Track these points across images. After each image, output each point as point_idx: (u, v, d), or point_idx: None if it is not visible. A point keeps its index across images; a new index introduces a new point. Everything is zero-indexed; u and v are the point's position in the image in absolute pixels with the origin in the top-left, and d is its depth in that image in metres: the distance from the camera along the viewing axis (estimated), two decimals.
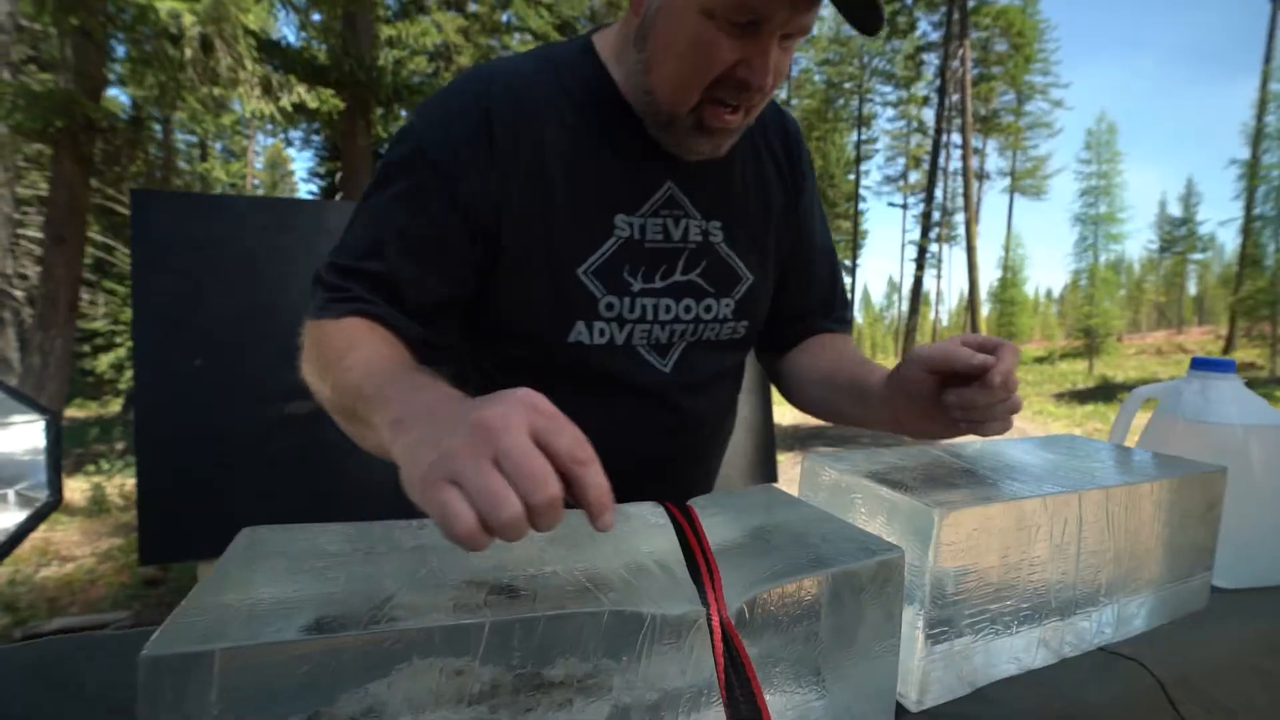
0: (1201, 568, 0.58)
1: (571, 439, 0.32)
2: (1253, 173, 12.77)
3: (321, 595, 0.31)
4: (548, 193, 0.59)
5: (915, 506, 0.43)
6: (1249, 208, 13.27)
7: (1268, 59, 14.65)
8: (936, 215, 25.98)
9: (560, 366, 0.61)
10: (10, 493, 1.49)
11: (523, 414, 0.32)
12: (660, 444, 0.66)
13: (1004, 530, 0.44)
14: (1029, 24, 23.31)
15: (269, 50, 6.01)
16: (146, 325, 1.88)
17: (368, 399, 0.44)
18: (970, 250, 17.90)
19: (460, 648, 0.29)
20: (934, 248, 27.11)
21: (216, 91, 5.94)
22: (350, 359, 0.50)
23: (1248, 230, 13.43)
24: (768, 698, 0.36)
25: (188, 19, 4.63)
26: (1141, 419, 0.74)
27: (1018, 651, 0.47)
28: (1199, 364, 0.68)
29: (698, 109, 0.56)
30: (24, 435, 1.50)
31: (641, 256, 0.62)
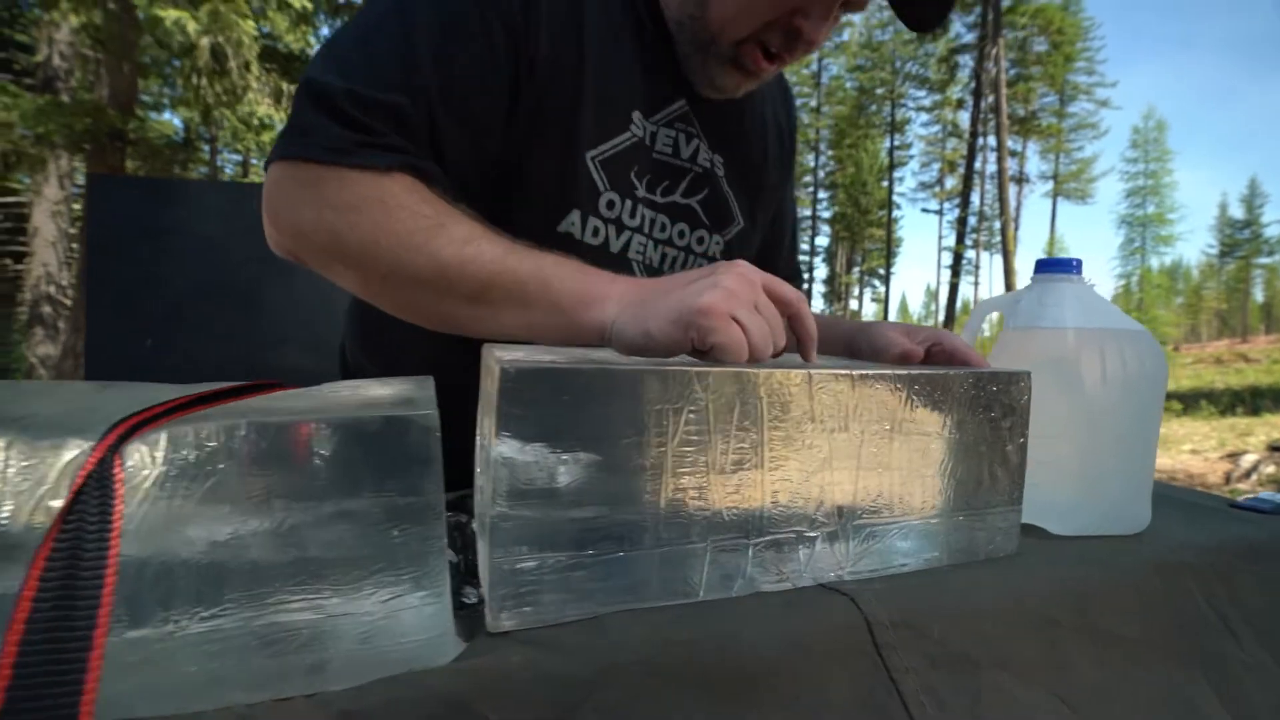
0: (1005, 503, 0.45)
1: (791, 289, 0.42)
2: None
3: None
4: (579, 63, 0.54)
5: (486, 365, 0.33)
6: None
7: None
8: (973, 221, 25.20)
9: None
10: None
11: (759, 275, 0.41)
12: None
13: (625, 408, 0.33)
14: (1070, 22, 22.57)
15: (274, 58, 6.23)
16: (99, 312, 1.92)
17: (523, 280, 0.44)
18: (1007, 255, 17.21)
19: None
20: (971, 254, 26.28)
21: (233, 103, 6.19)
22: (458, 231, 0.46)
23: None
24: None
25: (192, 26, 4.83)
26: None
27: (686, 576, 0.36)
28: (1042, 266, 0.55)
29: (739, 44, 0.56)
30: None
31: (648, 164, 0.59)
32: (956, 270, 22.42)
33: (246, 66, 5.88)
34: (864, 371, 0.39)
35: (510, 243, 0.47)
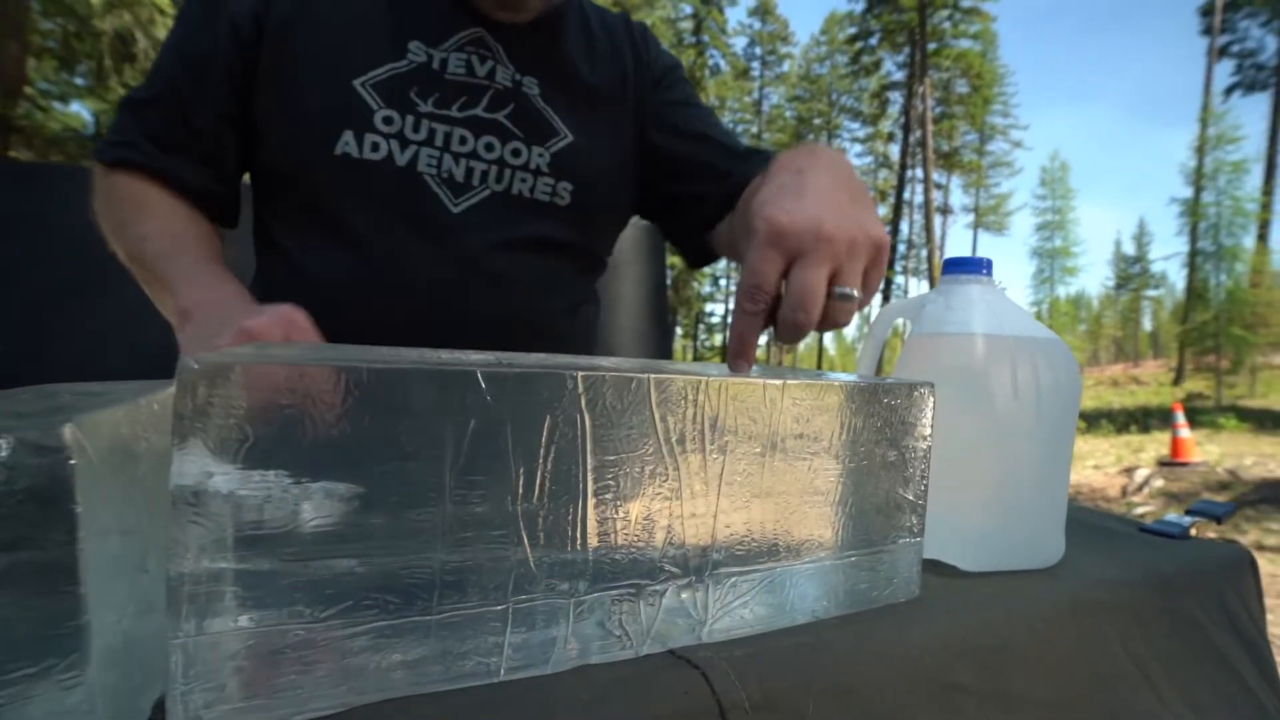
0: (905, 537, 0.38)
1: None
2: (1194, 209, 13.28)
3: None
4: (332, 9, 0.59)
5: (184, 365, 0.23)
6: (1192, 243, 13.79)
7: (1205, 105, 15.43)
8: (902, 248, 26.64)
9: (330, 187, 0.58)
10: None
11: (281, 329, 0.40)
12: (443, 292, 0.58)
13: (377, 421, 0.24)
14: (988, 68, 24.37)
15: None
16: None
17: (162, 281, 0.51)
18: (932, 281, 18.24)
19: None
20: (900, 280, 27.72)
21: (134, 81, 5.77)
22: (143, 229, 0.54)
23: (1193, 265, 13.94)
24: None
25: None
26: None
27: (480, 649, 0.26)
28: (950, 265, 0.50)
29: None
30: None
31: (438, 84, 0.59)
32: (887, 295, 23.57)
33: (157, 46, 5.48)
34: (725, 378, 0.31)
35: (176, 241, 0.54)
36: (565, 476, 0.27)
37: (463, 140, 0.59)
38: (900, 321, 0.56)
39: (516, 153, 0.61)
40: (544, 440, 0.26)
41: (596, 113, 0.66)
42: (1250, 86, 17.80)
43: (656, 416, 0.29)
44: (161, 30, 5.75)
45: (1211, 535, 0.61)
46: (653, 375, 0.28)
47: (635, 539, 0.29)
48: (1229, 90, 18.07)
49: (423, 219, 0.58)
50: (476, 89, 0.60)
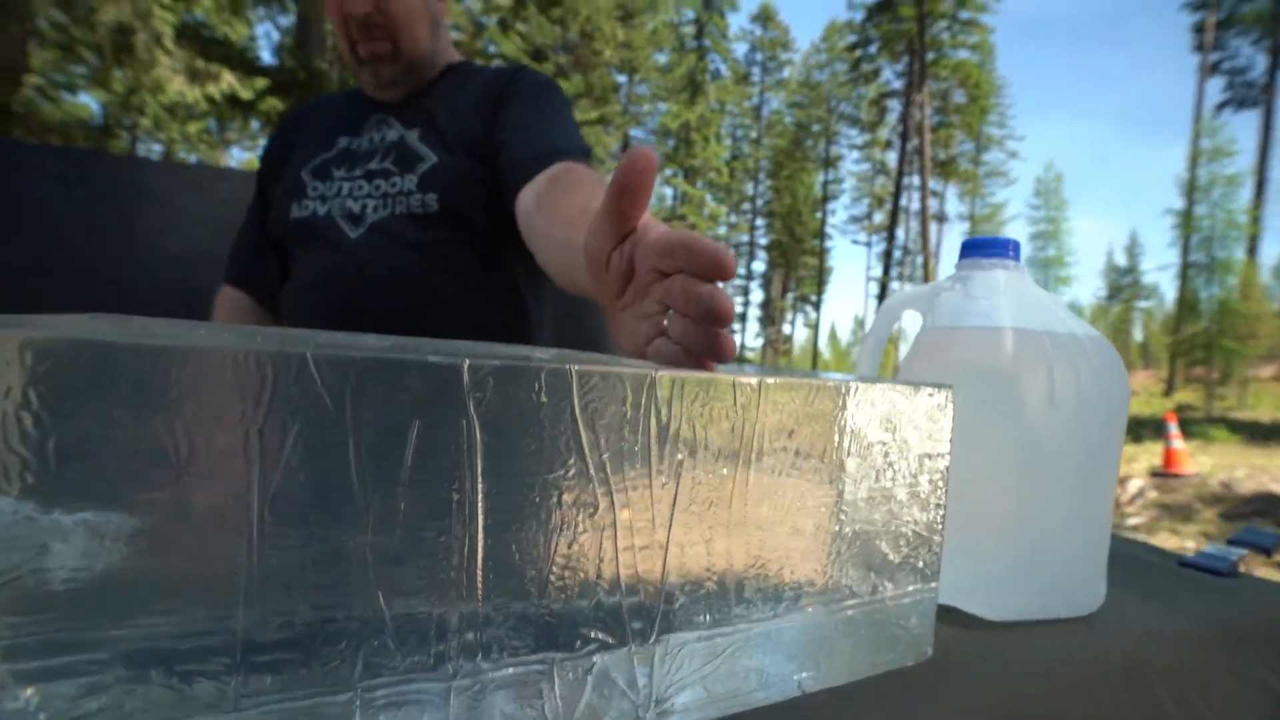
0: (915, 582, 0.30)
1: None
2: (1187, 222, 13.32)
3: None
4: (293, 142, 0.91)
5: None
6: (1184, 255, 13.86)
7: (1197, 119, 15.54)
8: (898, 255, 26.72)
9: (290, 238, 0.86)
10: None
11: None
12: (356, 295, 0.79)
13: (151, 421, 0.16)
14: (985, 78, 24.48)
15: (195, 39, 5.76)
16: None
17: None
18: None
19: None
20: (896, 286, 27.79)
21: (139, 81, 5.75)
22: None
23: (1184, 276, 14.01)
24: None
25: None
26: None
27: None
28: (970, 248, 0.42)
29: (353, 53, 0.84)
30: None
31: (350, 159, 0.86)
32: (882, 301, 23.61)
33: (157, 40, 5.40)
34: (677, 374, 0.23)
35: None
36: (444, 506, 0.19)
37: (359, 188, 0.83)
38: (898, 328, 0.49)
39: (394, 184, 0.83)
40: (411, 455, 0.18)
41: (460, 138, 0.85)
42: (1240, 103, 17.95)
43: (581, 424, 0.20)
44: (159, 20, 5.75)
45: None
46: (575, 366, 0.20)
47: (550, 593, 0.21)
48: (1220, 106, 18.20)
49: (332, 248, 0.80)
50: (372, 152, 0.86)
